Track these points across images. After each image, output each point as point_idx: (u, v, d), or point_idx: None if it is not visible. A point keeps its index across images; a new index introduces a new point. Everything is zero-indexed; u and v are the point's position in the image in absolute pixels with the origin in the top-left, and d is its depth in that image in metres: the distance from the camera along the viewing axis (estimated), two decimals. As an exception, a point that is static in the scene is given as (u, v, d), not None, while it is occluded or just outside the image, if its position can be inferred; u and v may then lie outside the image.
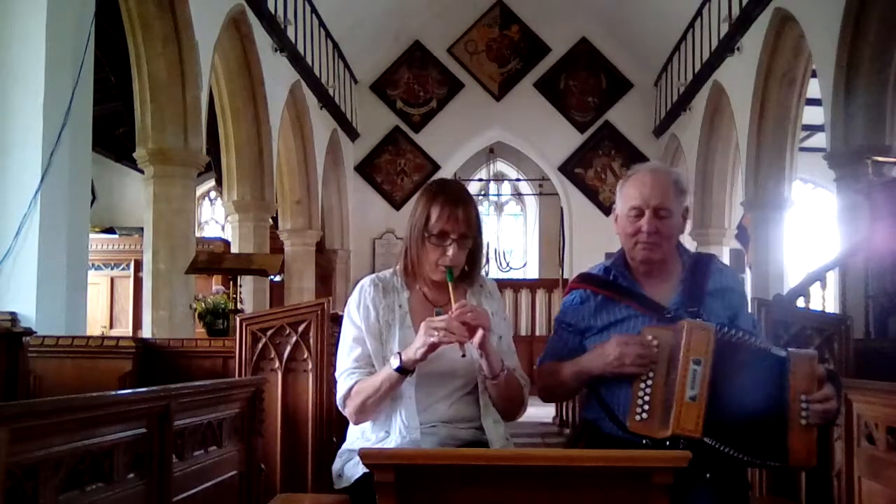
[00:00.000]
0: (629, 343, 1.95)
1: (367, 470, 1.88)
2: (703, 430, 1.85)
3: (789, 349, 1.93)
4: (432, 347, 1.89)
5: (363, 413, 2.02)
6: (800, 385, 1.86)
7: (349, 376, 2.05)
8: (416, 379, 2.01)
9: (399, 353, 1.95)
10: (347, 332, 2.10)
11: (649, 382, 1.91)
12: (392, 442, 2.01)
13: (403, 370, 1.94)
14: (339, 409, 2.10)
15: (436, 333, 1.88)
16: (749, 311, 2.17)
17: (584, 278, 2.20)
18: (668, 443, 1.86)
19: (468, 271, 2.10)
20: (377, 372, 2.02)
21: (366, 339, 2.06)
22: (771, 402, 1.87)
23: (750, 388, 1.88)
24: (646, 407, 1.90)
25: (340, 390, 2.06)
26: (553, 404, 7.91)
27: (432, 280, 2.07)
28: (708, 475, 1.86)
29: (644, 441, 1.89)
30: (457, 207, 2.00)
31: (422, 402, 2.02)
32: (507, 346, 2.12)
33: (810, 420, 1.85)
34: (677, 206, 2.08)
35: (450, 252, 2.00)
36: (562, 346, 2.16)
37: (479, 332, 1.91)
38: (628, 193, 2.09)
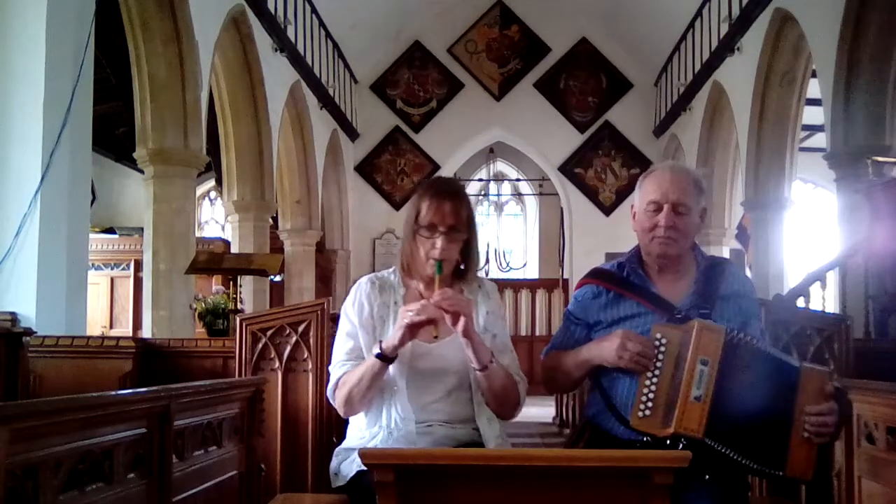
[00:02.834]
0: (632, 339, 1.95)
1: (363, 467, 1.90)
2: (705, 430, 1.85)
3: (803, 362, 1.95)
4: (409, 330, 1.93)
5: (350, 404, 2.06)
6: (807, 399, 1.88)
7: (339, 368, 2.09)
8: (407, 375, 2.03)
9: (380, 342, 2.00)
10: (342, 327, 2.15)
11: (655, 380, 1.91)
12: (384, 435, 2.02)
13: (384, 357, 1.97)
14: (329, 400, 2.14)
15: (409, 315, 1.92)
16: (759, 319, 2.17)
17: (597, 274, 2.20)
18: (668, 442, 1.86)
19: (462, 269, 2.12)
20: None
21: (358, 334, 2.10)
22: (776, 410, 1.88)
23: (757, 393, 1.89)
24: (649, 404, 1.90)
25: (331, 381, 2.11)
26: (553, 404, 7.92)
27: (427, 277, 2.09)
28: (707, 476, 1.86)
29: (645, 438, 1.89)
30: (444, 200, 2.04)
31: (415, 399, 2.04)
32: (501, 344, 2.13)
33: (811, 434, 1.87)
34: (695, 204, 2.08)
35: (438, 244, 2.02)
36: (568, 337, 2.17)
37: (462, 320, 1.93)
38: (647, 188, 2.10)
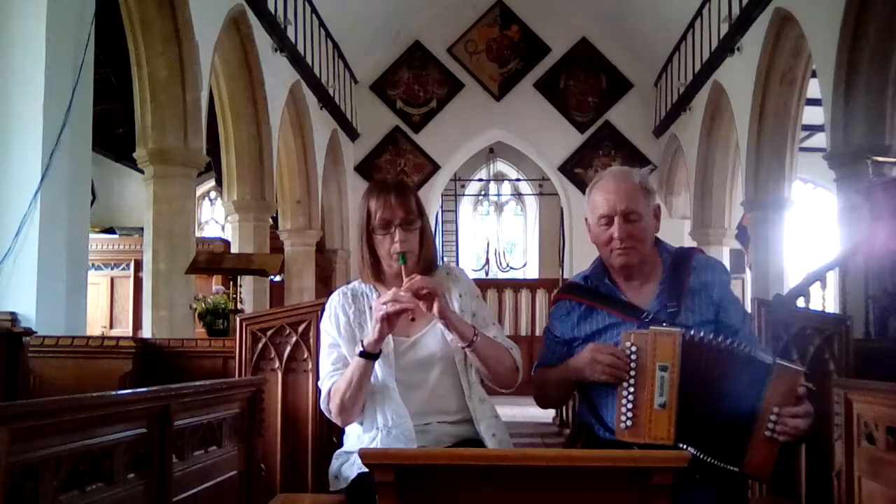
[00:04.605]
0: (602, 352, 1.95)
1: (363, 470, 1.91)
2: (675, 436, 1.84)
3: (778, 359, 1.91)
4: (386, 322, 1.95)
5: (345, 411, 2.06)
6: (776, 397, 1.84)
7: (328, 379, 2.11)
8: (395, 371, 2.05)
9: (361, 341, 2.02)
10: (323, 342, 2.18)
11: (631, 390, 1.90)
12: (382, 436, 2.03)
13: (367, 354, 1.99)
14: (325, 414, 2.15)
15: (384, 307, 1.94)
16: (738, 302, 2.12)
17: (567, 288, 2.21)
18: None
19: (423, 257, 2.14)
20: None
21: (340, 344, 2.12)
22: (743, 406, 1.85)
23: (725, 391, 1.86)
24: (629, 414, 1.89)
25: (322, 394, 2.12)
26: (553, 404, 7.91)
27: (393, 274, 2.11)
28: (697, 476, 1.85)
29: (634, 447, 1.88)
30: (391, 195, 2.08)
31: (407, 395, 2.05)
32: (482, 320, 2.15)
33: (776, 433, 1.83)
34: (646, 208, 2.06)
35: (397, 237, 2.06)
36: (551, 356, 2.18)
37: (436, 302, 1.96)
38: (595, 202, 2.09)
